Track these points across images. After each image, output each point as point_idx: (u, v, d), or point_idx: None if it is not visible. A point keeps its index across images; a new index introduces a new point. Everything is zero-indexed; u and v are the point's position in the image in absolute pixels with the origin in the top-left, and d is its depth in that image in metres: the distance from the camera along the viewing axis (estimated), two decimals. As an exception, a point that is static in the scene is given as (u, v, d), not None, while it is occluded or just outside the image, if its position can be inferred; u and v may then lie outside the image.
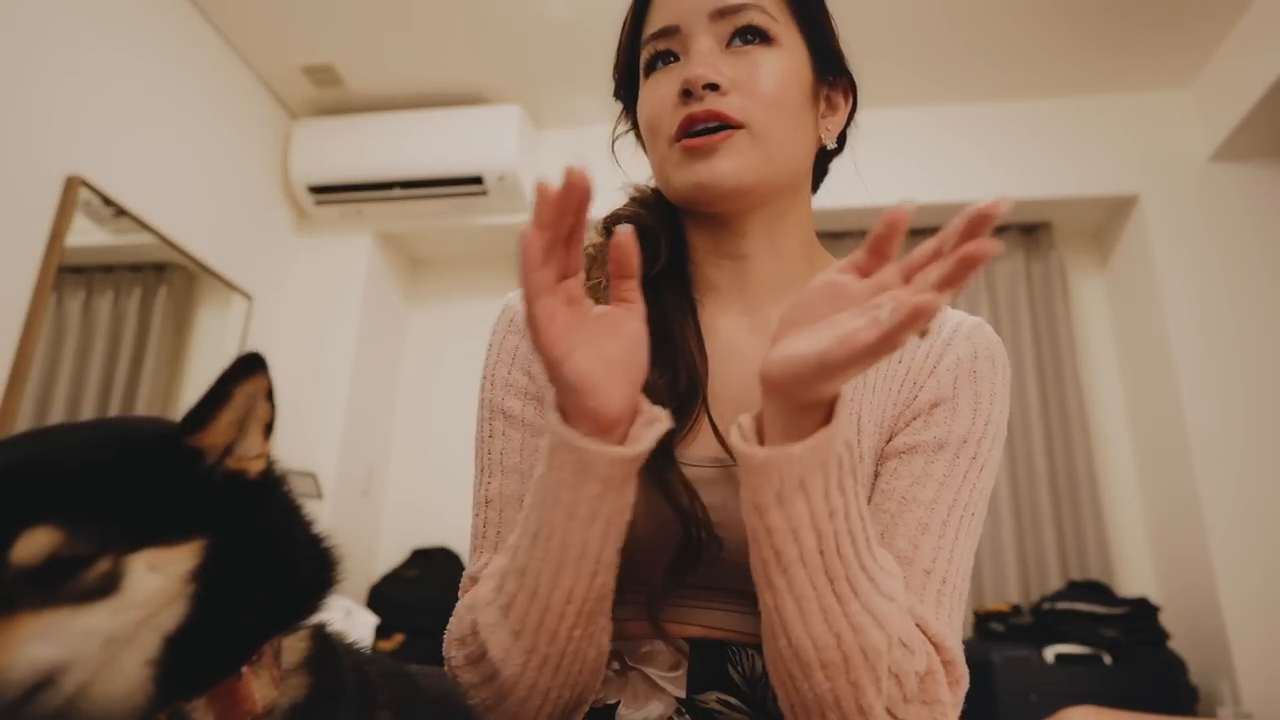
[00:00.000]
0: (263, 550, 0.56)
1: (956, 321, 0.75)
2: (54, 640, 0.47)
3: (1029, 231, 3.18)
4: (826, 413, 0.55)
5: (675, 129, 0.71)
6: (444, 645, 0.67)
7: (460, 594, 0.70)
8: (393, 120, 3.12)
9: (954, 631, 0.63)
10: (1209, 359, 2.71)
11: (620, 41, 0.82)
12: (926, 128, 3.02)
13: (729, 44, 0.72)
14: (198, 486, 0.54)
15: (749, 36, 0.72)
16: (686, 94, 0.70)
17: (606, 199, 0.87)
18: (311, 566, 0.61)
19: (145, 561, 0.50)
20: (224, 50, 2.88)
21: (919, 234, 3.25)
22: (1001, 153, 3.03)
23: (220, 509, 0.54)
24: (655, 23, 0.75)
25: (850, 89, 0.80)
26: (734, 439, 0.56)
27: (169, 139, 2.63)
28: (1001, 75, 2.95)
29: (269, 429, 0.57)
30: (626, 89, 0.84)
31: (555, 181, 0.52)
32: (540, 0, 2.63)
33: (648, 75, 0.76)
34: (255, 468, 0.56)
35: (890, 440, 0.70)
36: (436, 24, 2.76)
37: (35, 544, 0.47)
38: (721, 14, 0.72)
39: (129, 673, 0.49)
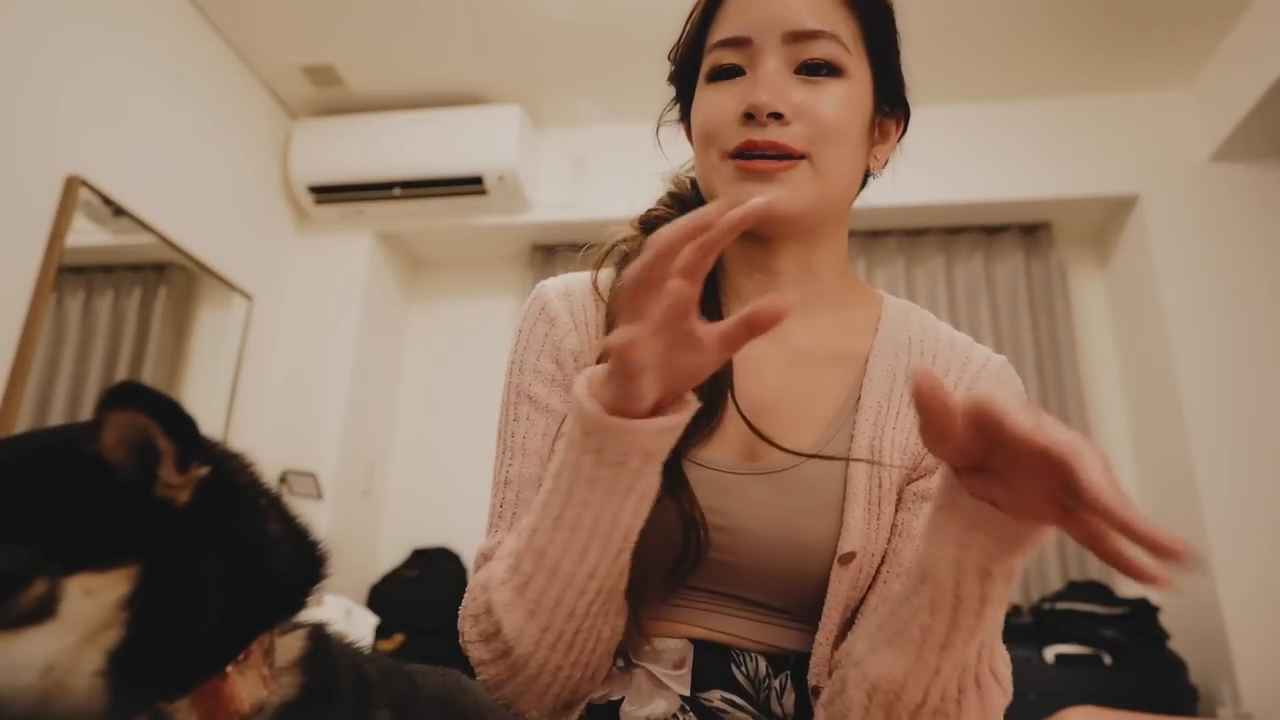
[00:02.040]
0: (222, 558, 0.54)
1: (983, 357, 0.76)
2: None
3: (1029, 231, 3.18)
4: None
5: (732, 148, 0.70)
6: (459, 621, 0.67)
7: (473, 570, 0.70)
8: (393, 120, 3.12)
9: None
10: (1209, 359, 2.71)
11: (685, 33, 0.79)
12: (927, 128, 3.00)
13: (798, 69, 0.70)
14: (128, 506, 0.52)
15: (819, 69, 0.70)
16: (748, 117, 0.69)
17: (631, 197, 0.86)
18: (291, 564, 0.59)
19: (80, 585, 0.48)
20: (224, 51, 2.88)
21: (918, 234, 3.28)
22: (1001, 153, 3.03)
23: (155, 530, 0.53)
24: (726, 28, 0.72)
25: (904, 117, 0.80)
26: (976, 504, 0.52)
27: (169, 139, 2.63)
28: (1001, 75, 2.95)
29: (182, 463, 0.54)
30: (681, 78, 0.81)
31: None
32: (540, 0, 2.63)
33: (709, 81, 0.74)
34: (180, 498, 0.54)
35: (921, 475, 0.70)
36: (436, 24, 2.76)
37: None
38: (797, 38, 0.70)
39: (79, 687, 0.48)
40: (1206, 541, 2.53)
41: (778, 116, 0.68)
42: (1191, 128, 2.92)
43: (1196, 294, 2.78)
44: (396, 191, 3.10)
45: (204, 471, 0.55)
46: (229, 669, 0.53)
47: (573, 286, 0.79)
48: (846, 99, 0.70)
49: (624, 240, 0.80)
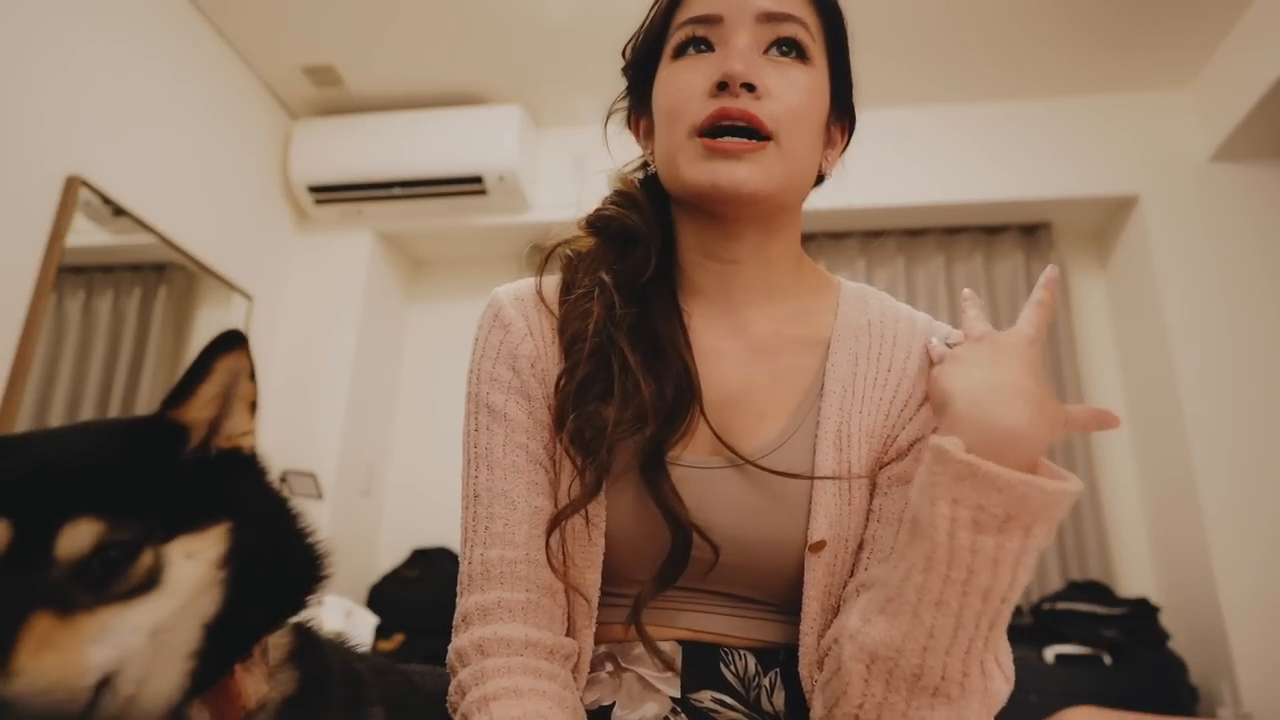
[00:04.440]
0: (272, 533, 0.57)
1: (943, 334, 0.76)
2: (112, 642, 0.46)
3: (1029, 231, 3.17)
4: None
5: (702, 120, 0.69)
6: (449, 694, 0.66)
7: (455, 627, 0.68)
8: (393, 120, 3.12)
9: None
10: (1208, 359, 2.71)
11: (650, 19, 0.79)
12: (926, 128, 3.02)
13: (767, 50, 0.71)
14: (207, 470, 0.54)
15: (788, 49, 0.71)
16: (720, 87, 0.69)
17: (599, 189, 0.86)
18: (301, 561, 0.60)
19: (181, 550, 0.50)
20: (224, 50, 2.88)
21: (918, 234, 3.28)
22: (1001, 153, 3.03)
23: (232, 492, 0.55)
24: (697, 7, 0.73)
25: (848, 130, 0.81)
26: (961, 453, 0.55)
27: (169, 139, 2.63)
28: (1002, 75, 2.95)
29: (254, 407, 0.57)
30: (638, 68, 0.81)
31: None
32: (540, 1, 2.63)
33: (675, 58, 0.74)
34: (247, 444, 0.57)
35: (895, 459, 0.70)
36: (436, 24, 2.76)
37: (79, 537, 0.47)
38: (769, 18, 0.71)
39: (174, 668, 0.50)
40: (1206, 540, 2.53)
41: (751, 89, 0.68)
42: (1191, 128, 2.92)
43: (1196, 294, 2.78)
44: (396, 191, 3.10)
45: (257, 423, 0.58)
46: (237, 667, 0.54)
47: (524, 292, 0.79)
48: (812, 85, 0.72)
49: (566, 243, 0.79)
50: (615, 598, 0.71)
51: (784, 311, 0.77)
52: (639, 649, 0.69)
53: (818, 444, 0.69)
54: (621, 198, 0.81)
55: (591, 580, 0.69)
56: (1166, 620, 2.49)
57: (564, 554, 0.68)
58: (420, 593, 2.94)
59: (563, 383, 0.71)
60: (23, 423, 2.12)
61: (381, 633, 2.74)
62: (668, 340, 0.72)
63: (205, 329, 2.81)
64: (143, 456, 0.53)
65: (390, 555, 3.18)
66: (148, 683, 0.48)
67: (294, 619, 0.60)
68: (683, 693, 0.67)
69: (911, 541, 0.57)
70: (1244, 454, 2.60)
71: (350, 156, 3.11)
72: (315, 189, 3.14)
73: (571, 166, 3.17)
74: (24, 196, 2.15)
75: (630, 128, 0.84)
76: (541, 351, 0.75)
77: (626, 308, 0.72)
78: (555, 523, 0.67)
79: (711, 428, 0.69)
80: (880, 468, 0.71)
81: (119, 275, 2.58)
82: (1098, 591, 2.57)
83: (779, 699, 0.68)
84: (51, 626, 0.44)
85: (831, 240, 3.18)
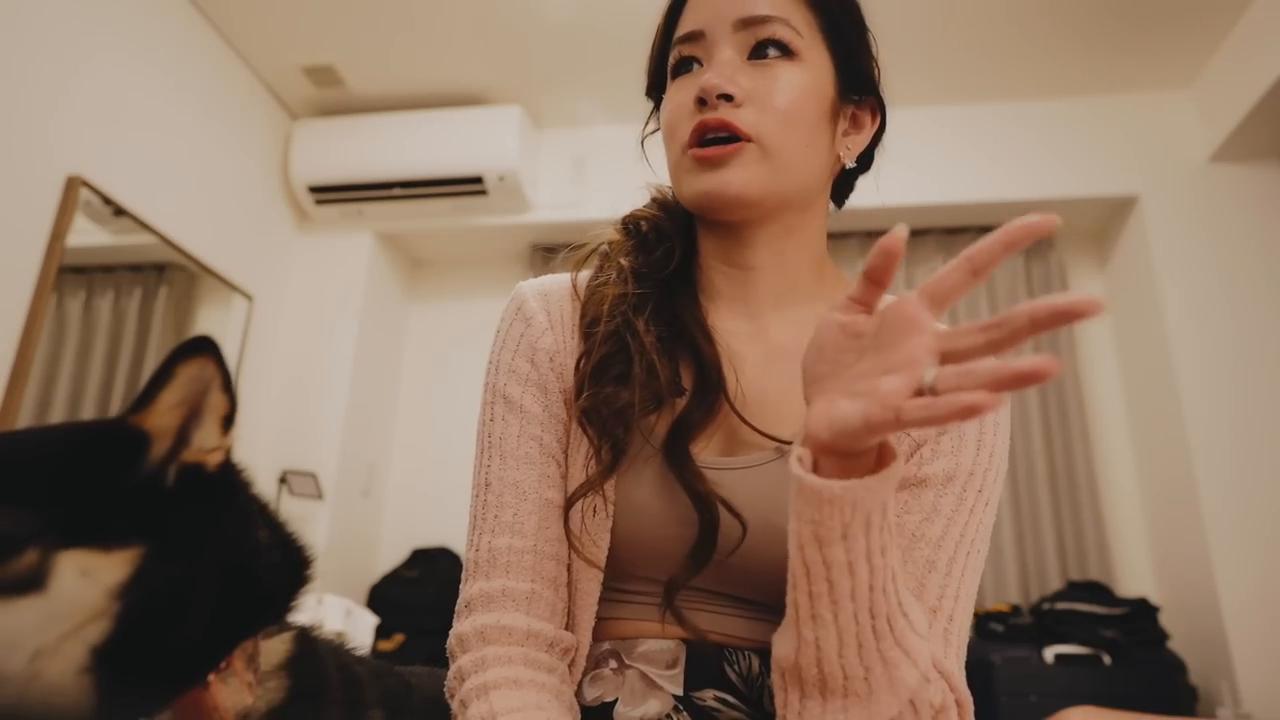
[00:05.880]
0: (214, 559, 0.53)
1: None
2: None
3: (1029, 232, 3.18)
4: (877, 452, 0.55)
5: (689, 136, 0.71)
6: (446, 681, 0.66)
7: (456, 614, 0.69)
8: (393, 120, 3.12)
9: (961, 669, 0.63)
10: (1208, 359, 2.71)
11: (655, 40, 0.82)
12: (926, 128, 3.02)
13: (751, 55, 0.72)
14: (146, 487, 0.51)
15: (771, 50, 0.72)
16: (701, 102, 0.71)
17: (628, 197, 0.88)
18: (277, 571, 0.58)
19: (76, 563, 0.47)
20: (224, 51, 2.88)
21: (919, 234, 3.29)
22: (1001, 153, 3.03)
23: (168, 513, 0.51)
24: (684, 26, 0.76)
25: (878, 109, 0.80)
26: (797, 470, 0.54)
27: (169, 139, 2.63)
28: (1001, 75, 2.95)
29: (227, 421, 0.54)
30: (657, 88, 0.83)
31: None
32: (541, 1, 2.63)
33: (673, 78, 0.77)
34: (214, 460, 0.54)
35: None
36: (437, 24, 2.76)
37: None
38: (746, 24, 0.72)
39: (63, 684, 0.47)
40: (1206, 541, 2.53)
41: (728, 99, 0.70)
42: (1191, 128, 2.92)
43: (1196, 294, 2.78)
44: (397, 191, 3.10)
45: (233, 440, 0.55)
46: (210, 678, 0.52)
47: (550, 286, 0.80)
48: (797, 82, 0.72)
49: (606, 242, 0.81)
50: (621, 593, 0.71)
51: (803, 316, 0.76)
52: (643, 646, 0.70)
53: None
54: (655, 203, 0.83)
55: (594, 573, 0.70)
56: (1166, 620, 2.49)
57: (573, 542, 0.69)
58: (420, 593, 2.94)
59: (581, 364, 0.73)
60: (23, 423, 2.12)
61: (381, 633, 2.74)
62: (687, 325, 0.74)
63: (206, 329, 2.79)
64: (93, 460, 0.50)
65: (390, 555, 3.18)
66: (29, 698, 0.46)
67: (296, 625, 0.59)
68: (685, 691, 0.68)
69: (788, 556, 0.57)
70: (1244, 454, 2.60)
71: (350, 157, 3.11)
72: (315, 189, 3.14)
73: (571, 167, 3.17)
74: (24, 196, 2.15)
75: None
76: (562, 345, 0.76)
77: (644, 291, 0.74)
78: (573, 499, 0.68)
79: (738, 414, 0.69)
80: None
81: (119, 275, 2.58)
82: (1097, 591, 2.57)
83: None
84: None
85: (831, 240, 3.17)
